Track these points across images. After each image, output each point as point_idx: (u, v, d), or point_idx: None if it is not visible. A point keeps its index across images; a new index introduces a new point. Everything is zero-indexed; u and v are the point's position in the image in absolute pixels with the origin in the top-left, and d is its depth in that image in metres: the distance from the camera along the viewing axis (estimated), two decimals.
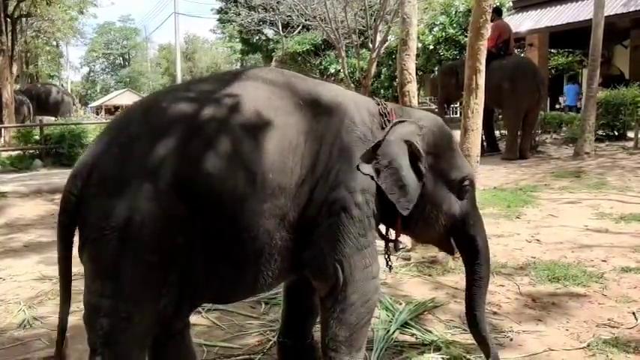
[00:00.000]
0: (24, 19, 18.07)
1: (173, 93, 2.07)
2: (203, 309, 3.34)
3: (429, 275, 3.89)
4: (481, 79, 3.97)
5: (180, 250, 1.82)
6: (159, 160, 1.77)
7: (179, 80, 35.43)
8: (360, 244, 2.07)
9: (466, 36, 17.54)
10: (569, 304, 3.29)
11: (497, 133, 10.97)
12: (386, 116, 2.22)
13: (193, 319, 3.20)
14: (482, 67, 3.96)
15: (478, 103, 4.00)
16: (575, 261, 4.03)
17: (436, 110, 12.03)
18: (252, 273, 2.00)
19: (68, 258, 1.92)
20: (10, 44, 14.65)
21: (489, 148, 9.89)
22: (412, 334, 2.92)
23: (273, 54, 30.28)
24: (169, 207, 1.77)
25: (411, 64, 4.32)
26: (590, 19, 9.45)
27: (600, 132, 10.55)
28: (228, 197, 1.84)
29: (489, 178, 7.50)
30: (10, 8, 14.95)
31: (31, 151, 11.23)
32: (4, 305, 3.62)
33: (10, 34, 14.77)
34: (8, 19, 14.77)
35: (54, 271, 4.36)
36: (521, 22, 16.19)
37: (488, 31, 3.96)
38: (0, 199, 7.30)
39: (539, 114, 10.48)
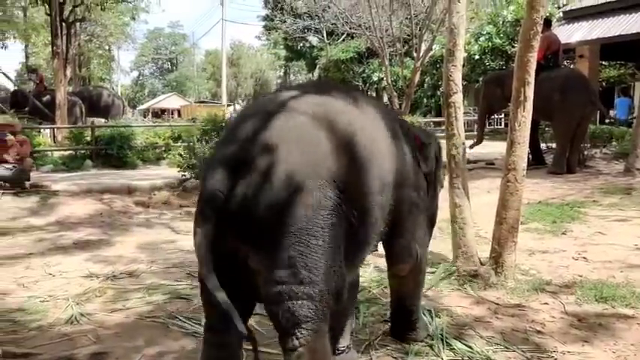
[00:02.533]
0: (78, 24, 18.77)
1: (303, 100, 2.25)
2: None
3: (471, 289, 3.82)
4: (530, 92, 3.89)
5: (339, 234, 2.08)
6: (316, 160, 2.02)
7: (224, 85, 36.10)
8: (425, 228, 2.89)
9: (513, 46, 17.37)
10: (617, 325, 3.18)
11: (543, 145, 10.70)
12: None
13: None
14: (532, 79, 3.88)
15: (526, 116, 3.92)
16: (623, 281, 3.89)
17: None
18: (364, 255, 2.41)
19: (209, 247, 1.98)
20: (64, 48, 15.21)
21: (535, 161, 9.66)
22: (451, 349, 2.88)
23: (316, 61, 30.49)
24: (329, 198, 2.01)
25: (457, 74, 4.28)
26: None
27: None
28: (364, 190, 2.18)
29: (534, 191, 7.33)
30: (66, 13, 15.53)
31: (82, 152, 11.62)
32: (52, 301, 3.74)
33: (64, 37, 15.33)
34: (63, 24, 15.35)
35: (101, 268, 4.54)
36: (572, 34, 15.79)
37: (538, 42, 3.89)
38: (52, 197, 7.59)
39: (589, 127, 10.17)
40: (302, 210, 1.95)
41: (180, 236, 6.00)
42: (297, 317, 1.98)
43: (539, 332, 3.12)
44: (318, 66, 31.10)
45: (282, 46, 38.71)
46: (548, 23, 9.87)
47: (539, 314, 3.36)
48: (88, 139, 11.82)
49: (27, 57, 31.26)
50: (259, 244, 1.99)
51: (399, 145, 2.50)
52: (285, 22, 22.18)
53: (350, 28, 19.01)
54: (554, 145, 10.07)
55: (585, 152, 10.16)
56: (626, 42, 14.85)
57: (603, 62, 19.05)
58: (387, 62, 17.34)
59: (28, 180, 7.89)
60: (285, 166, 1.96)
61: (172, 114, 38.03)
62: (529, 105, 3.90)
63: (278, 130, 2.05)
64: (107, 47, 32.70)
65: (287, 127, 2.07)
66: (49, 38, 16.55)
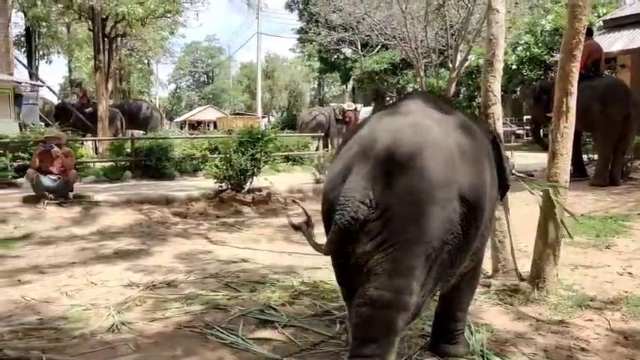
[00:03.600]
0: (119, 39, 19.28)
1: (427, 116, 2.43)
2: (280, 324, 3.40)
3: (511, 305, 3.73)
4: (572, 102, 3.81)
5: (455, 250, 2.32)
6: (448, 175, 2.21)
7: (259, 97, 36.50)
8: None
9: (552, 55, 17.01)
10: None
11: (585, 157, 10.43)
12: None
13: (270, 334, 3.27)
14: (574, 89, 3.80)
15: (568, 127, 3.84)
16: None
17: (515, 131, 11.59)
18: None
19: (346, 254, 2.23)
20: (106, 62, 15.66)
21: (576, 172, 9.41)
22: None
23: (350, 73, 30.57)
24: (456, 210, 2.23)
25: (496, 85, 4.23)
26: None
27: None
28: (482, 201, 2.38)
29: (576, 204, 7.13)
30: (108, 29, 16.00)
31: (122, 163, 11.90)
32: (94, 309, 3.82)
33: (106, 52, 15.79)
34: (105, 39, 15.82)
35: (141, 278, 4.63)
36: (613, 43, 15.41)
37: (580, 52, 3.81)
38: (93, 207, 7.79)
39: (633, 139, 9.86)
40: (437, 224, 2.16)
41: (216, 246, 6.06)
42: (391, 326, 2.17)
43: (583, 350, 3.03)
44: (352, 77, 31.18)
45: (316, 58, 38.93)
46: (589, 32, 9.65)
47: (584, 331, 3.26)
48: (128, 150, 12.10)
49: (70, 71, 32.38)
50: (390, 251, 2.14)
51: (491, 161, 2.61)
52: (319, 34, 22.30)
53: (384, 40, 18.99)
54: (596, 157, 9.81)
55: (629, 164, 9.86)
56: None
57: None
58: (422, 73, 17.24)
59: (72, 191, 8.12)
60: (427, 183, 2.14)
61: (208, 126, 38.62)
62: (571, 116, 3.83)
63: (415, 147, 2.20)
64: (146, 61, 33.52)
65: (423, 144, 2.22)
66: (92, 53, 17.07)
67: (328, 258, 2.55)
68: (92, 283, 4.58)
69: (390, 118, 2.45)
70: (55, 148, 7.99)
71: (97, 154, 13.99)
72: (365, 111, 18.82)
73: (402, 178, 2.15)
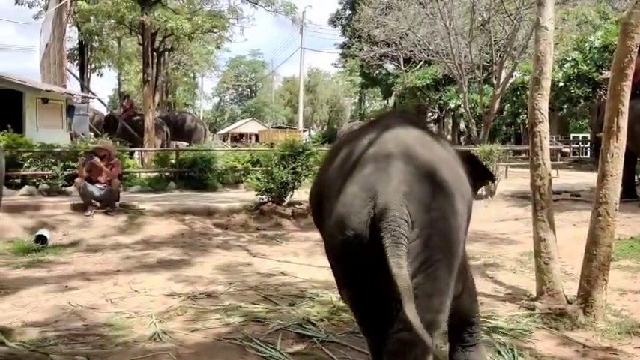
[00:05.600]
0: (167, 53, 19.87)
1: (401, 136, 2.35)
2: (318, 339, 3.39)
3: (556, 329, 3.62)
4: (623, 122, 3.70)
5: None
6: (459, 187, 2.26)
7: (301, 111, 36.83)
8: None
9: (601, 73, 16.56)
10: None
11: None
12: None
13: (308, 348, 3.27)
14: (625, 109, 3.69)
15: (618, 147, 3.73)
16: None
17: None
18: None
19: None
20: (154, 75, 16.14)
21: (626, 194, 9.08)
22: None
23: (392, 88, 30.51)
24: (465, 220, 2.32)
25: (543, 103, 4.15)
26: None
27: None
28: (471, 207, 2.45)
29: (626, 226, 6.89)
30: (157, 43, 16.50)
31: (166, 174, 12.18)
32: (137, 317, 3.91)
33: (154, 66, 16.28)
34: (154, 53, 16.32)
35: (182, 288, 4.71)
36: None
37: (632, 71, 3.70)
38: (138, 217, 7.99)
39: None
40: (462, 235, 2.25)
41: (256, 259, 6.12)
42: (429, 347, 2.08)
43: None
44: (394, 92, 31.11)
45: (357, 73, 39.05)
46: None
47: (633, 359, 3.13)
48: (173, 161, 12.38)
49: (120, 84, 33.48)
50: (430, 270, 2.07)
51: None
52: (362, 49, 22.42)
53: (427, 55, 18.93)
54: None
55: None
56: None
57: None
58: (465, 89, 17.07)
59: (118, 200, 8.36)
60: (452, 197, 2.15)
61: (250, 138, 39.16)
62: (622, 136, 3.72)
63: (432, 162, 2.20)
64: (192, 75, 34.41)
65: (436, 159, 2.24)
66: (141, 66, 17.62)
67: None
68: (136, 291, 4.68)
69: (389, 133, 2.32)
70: (96, 159, 8.22)
71: (142, 164, 14.36)
72: None
73: (431, 193, 2.08)
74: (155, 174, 12.27)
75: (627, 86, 3.68)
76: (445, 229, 2.09)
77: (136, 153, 14.59)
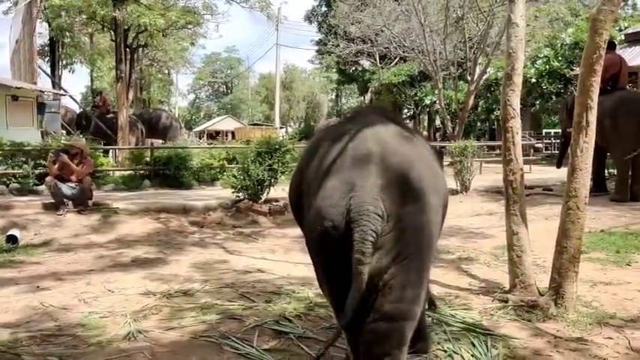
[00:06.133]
0: (141, 49, 19.59)
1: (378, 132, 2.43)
2: (295, 336, 3.39)
3: (529, 321, 3.68)
4: (592, 117, 3.77)
5: None
6: (434, 182, 2.35)
7: (277, 108, 36.73)
8: None
9: (572, 69, 16.88)
10: None
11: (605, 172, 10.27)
12: None
13: (285, 345, 3.27)
14: (594, 104, 3.76)
15: (588, 142, 3.80)
16: None
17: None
18: None
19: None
20: (127, 72, 15.91)
21: (596, 188, 9.29)
22: None
23: (368, 84, 30.62)
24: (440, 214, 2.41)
25: (515, 99, 4.20)
26: None
27: None
28: (447, 202, 2.61)
29: (596, 220, 7.05)
30: (130, 39, 16.27)
31: (141, 172, 12.03)
32: (111, 317, 3.85)
33: (128, 62, 16.04)
34: (127, 49, 16.08)
35: (157, 286, 4.66)
36: (634, 57, 15.26)
37: (601, 67, 3.77)
38: (112, 215, 7.88)
39: None
40: (436, 230, 2.32)
41: (232, 256, 6.09)
42: (405, 338, 2.21)
43: None
44: (370, 89, 31.23)
45: (334, 70, 39.08)
46: (612, 45, 9.54)
47: (603, 349, 3.20)
48: (147, 159, 12.23)
49: (92, 81, 32.92)
50: (405, 262, 2.14)
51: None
52: (338, 46, 22.41)
53: (403, 52, 19.03)
54: (616, 172, 9.67)
55: None
56: None
57: None
58: (440, 85, 17.23)
59: (91, 199, 8.22)
60: (427, 191, 2.21)
61: (226, 136, 38.95)
62: (591, 131, 3.78)
63: (409, 157, 2.27)
64: (167, 71, 34.01)
65: (413, 154, 2.32)
66: (114, 63, 17.37)
67: None
68: (109, 290, 4.62)
69: (368, 129, 2.38)
70: (65, 157, 8.05)
71: (116, 162, 14.17)
72: None
73: (407, 188, 2.15)
74: (129, 172, 12.11)
75: (596, 82, 3.75)
76: (419, 223, 2.15)
77: (110, 151, 14.39)
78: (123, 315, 3.86)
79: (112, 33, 16.22)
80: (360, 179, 2.11)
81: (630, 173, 8.86)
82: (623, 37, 17.44)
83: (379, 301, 2.14)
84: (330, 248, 2.16)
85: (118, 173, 12.33)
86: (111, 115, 16.51)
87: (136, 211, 8.11)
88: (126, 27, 15.67)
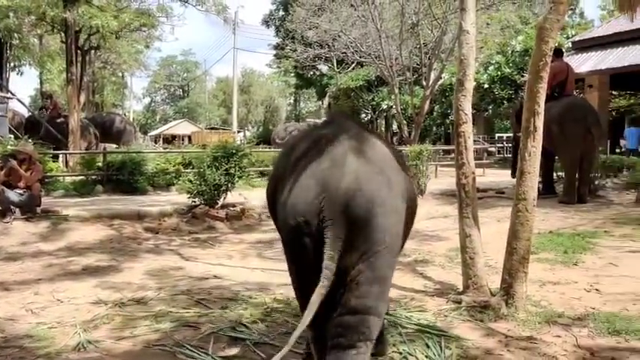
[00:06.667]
0: (93, 51, 19.06)
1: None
2: (251, 342, 3.36)
3: (481, 321, 3.77)
4: (539, 122, 3.90)
5: None
6: (401, 185, 2.47)
7: (235, 112, 36.44)
8: None
9: (522, 75, 17.45)
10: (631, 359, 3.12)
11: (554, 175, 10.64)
12: None
13: (241, 351, 3.23)
14: (541, 109, 3.89)
15: (535, 146, 3.92)
16: (637, 314, 3.82)
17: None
18: None
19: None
20: (78, 75, 15.45)
21: (545, 190, 9.61)
22: None
23: (326, 89, 30.79)
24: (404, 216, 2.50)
25: (467, 104, 4.31)
26: None
27: None
28: (415, 205, 2.78)
29: (545, 221, 7.28)
30: (81, 41, 15.81)
31: (93, 177, 11.70)
32: (60, 327, 3.73)
33: (79, 65, 15.59)
34: (78, 51, 15.62)
35: (109, 295, 4.54)
36: (581, 64, 15.88)
37: (547, 73, 3.91)
38: (62, 222, 7.63)
39: (598, 157, 10.13)
40: (400, 230, 2.43)
41: (188, 263, 5.99)
42: (371, 333, 2.32)
43: None
44: (328, 94, 31.40)
45: (292, 74, 39.13)
46: (560, 53, 9.91)
47: (552, 347, 3.30)
48: (100, 164, 11.92)
49: (42, 83, 31.84)
50: (371, 260, 2.27)
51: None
52: (295, 50, 22.45)
53: (360, 57, 19.23)
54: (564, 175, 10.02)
55: (596, 182, 10.10)
56: (636, 72, 14.87)
57: (613, 92, 19.09)
58: (396, 90, 17.48)
59: (39, 205, 7.94)
60: (394, 194, 2.35)
61: (183, 140, 38.37)
62: (539, 135, 3.91)
63: (378, 160, 2.40)
64: (120, 74, 33.24)
65: (383, 157, 2.45)
66: (64, 65, 16.85)
67: None
68: (59, 300, 4.47)
69: (342, 133, 2.49)
70: (14, 163, 7.78)
71: (67, 168, 13.74)
72: None
73: (375, 190, 2.28)
74: (81, 177, 11.77)
75: (543, 88, 3.88)
76: (384, 223, 2.29)
77: (61, 156, 13.94)
78: (72, 325, 3.75)
79: (63, 35, 15.73)
80: (332, 180, 2.25)
81: (577, 176, 9.20)
82: (570, 44, 18.12)
83: (346, 296, 2.29)
84: (301, 244, 2.30)
85: (68, 179, 11.95)
86: (61, 119, 15.99)
87: (88, 217, 7.88)
88: (77, 28, 15.21)
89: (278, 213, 2.56)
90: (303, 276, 2.40)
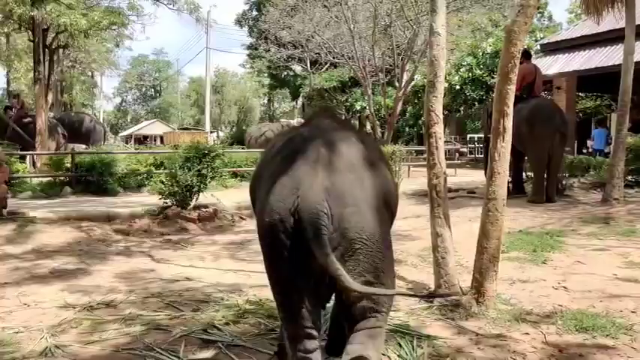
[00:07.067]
0: (61, 50, 18.70)
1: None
2: (223, 344, 3.33)
3: (452, 319, 3.80)
4: (509, 123, 3.96)
5: None
6: (381, 183, 2.50)
7: (207, 112, 36.14)
8: None
9: (493, 77, 17.74)
10: (598, 356, 3.18)
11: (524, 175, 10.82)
12: None
13: (213, 354, 3.20)
14: (510, 110, 3.95)
15: (505, 147, 3.98)
16: (603, 311, 3.91)
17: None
18: None
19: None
20: (46, 74, 15.15)
21: (515, 190, 9.78)
22: None
23: (300, 89, 30.79)
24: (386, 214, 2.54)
25: (438, 105, 4.35)
26: (620, 65, 9.40)
27: (629, 178, 10.36)
28: (396, 204, 2.79)
29: (515, 220, 7.40)
30: (49, 39, 15.51)
31: (61, 178, 11.46)
32: (27, 332, 3.63)
33: (47, 63, 15.29)
34: (46, 50, 15.32)
35: (78, 299, 4.45)
36: (549, 66, 16.21)
37: (516, 75, 3.97)
38: (29, 224, 7.45)
39: (566, 157, 10.33)
40: (384, 227, 2.45)
41: (159, 265, 5.91)
42: (381, 307, 2.44)
43: None
44: (301, 94, 31.39)
45: (266, 75, 39.01)
46: (528, 55, 10.09)
47: (521, 344, 3.35)
48: (68, 165, 11.68)
49: (8, 82, 31.06)
50: (352, 258, 2.29)
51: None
52: (269, 50, 22.38)
53: (333, 58, 19.27)
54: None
55: (564, 182, 10.32)
56: (602, 74, 15.24)
57: (580, 94, 19.53)
58: (369, 91, 17.56)
59: (5, 207, 7.75)
60: (370, 192, 2.37)
61: (155, 140, 37.91)
62: (508, 136, 3.97)
63: (353, 158, 2.42)
64: (90, 73, 32.67)
65: (360, 156, 2.46)
66: (32, 64, 16.48)
67: None
68: (25, 304, 4.36)
69: (320, 132, 2.54)
70: None
71: (34, 168, 13.43)
72: None
73: (349, 190, 2.29)
74: (48, 178, 11.52)
75: (511, 90, 3.94)
76: (361, 222, 2.29)
77: (28, 157, 13.63)
78: (39, 329, 3.65)
79: (30, 33, 15.41)
80: (307, 178, 2.26)
81: (545, 176, 9.38)
82: (539, 47, 18.48)
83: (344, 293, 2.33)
84: (278, 243, 2.30)
85: (36, 180, 11.70)
86: (29, 119, 15.65)
87: (56, 219, 7.71)
88: (45, 27, 14.93)
89: (256, 210, 2.59)
90: (280, 274, 2.40)
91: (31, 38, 15.35)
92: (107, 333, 3.59)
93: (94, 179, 11.12)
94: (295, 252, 2.25)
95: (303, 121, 3.55)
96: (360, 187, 2.34)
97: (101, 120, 28.24)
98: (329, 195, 2.24)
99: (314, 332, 2.37)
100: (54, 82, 17.07)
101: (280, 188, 2.31)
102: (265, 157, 2.76)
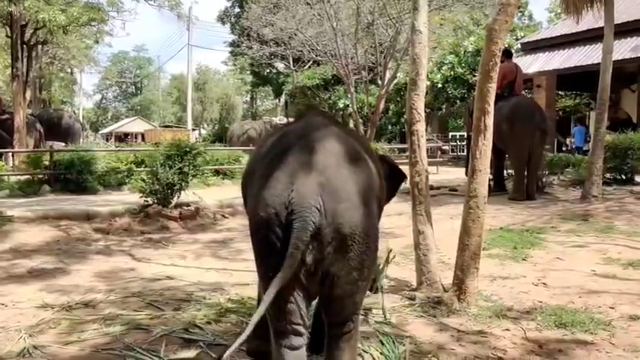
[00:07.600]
0: (40, 46, 18.42)
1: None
2: (204, 343, 3.30)
3: (434, 316, 3.83)
4: (489, 121, 3.99)
5: None
6: (371, 178, 2.51)
7: (189, 110, 35.88)
8: None
9: (474, 75, 17.90)
10: (577, 351, 3.22)
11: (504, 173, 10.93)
12: None
13: (194, 353, 3.18)
14: (491, 108, 3.98)
15: (486, 145, 4.01)
16: (582, 307, 3.96)
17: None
18: None
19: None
20: (24, 70, 14.92)
21: (496, 187, 9.87)
22: None
23: (283, 87, 30.70)
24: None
25: (420, 103, 4.36)
26: (598, 63, 9.53)
27: (608, 175, 10.52)
28: (383, 200, 2.84)
29: (496, 217, 7.47)
30: (27, 35, 15.28)
31: (39, 177, 11.29)
32: (4, 333, 3.57)
33: (25, 60, 15.05)
34: (24, 46, 15.08)
35: (56, 298, 4.38)
36: (530, 64, 16.38)
37: (497, 73, 4.00)
38: (6, 223, 7.32)
39: (546, 155, 10.45)
40: (374, 222, 2.46)
41: (140, 264, 5.85)
42: (357, 306, 2.51)
43: (500, 359, 3.13)
44: (284, 92, 31.32)
45: (248, 72, 38.85)
46: (509, 53, 10.19)
47: (501, 341, 3.38)
48: (47, 163, 11.51)
49: None
50: (343, 254, 2.31)
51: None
52: (251, 48, 22.24)
53: (316, 56, 19.23)
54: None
55: (544, 179, 10.44)
56: (581, 73, 15.46)
57: (560, 92, 19.78)
58: (352, 89, 17.57)
59: None
60: (363, 187, 2.38)
61: (136, 138, 37.51)
62: (489, 134, 4.00)
63: (348, 154, 2.42)
64: (69, 70, 32.22)
65: (353, 152, 2.46)
66: (9, 60, 16.21)
67: (256, 275, 2.58)
68: (2, 304, 4.28)
69: (314, 129, 2.55)
70: None
71: (12, 166, 13.21)
72: None
73: (343, 185, 2.31)
74: (26, 177, 11.34)
75: (492, 88, 3.97)
76: (355, 218, 2.31)
77: (4, 154, 13.40)
78: (17, 330, 3.59)
79: (8, 29, 15.15)
80: (302, 173, 2.27)
81: (525, 174, 9.49)
82: (519, 45, 18.67)
83: (325, 289, 2.36)
84: (272, 237, 2.29)
85: (13, 178, 11.51)
86: (6, 116, 15.39)
87: (34, 218, 7.59)
88: (23, 22, 14.69)
89: (248, 206, 2.59)
90: (272, 269, 2.34)
91: (9, 34, 15.10)
92: (86, 333, 3.54)
93: (73, 177, 10.97)
94: (287, 247, 2.24)
95: (286, 119, 3.55)
96: (353, 183, 2.35)
97: (80, 117, 27.82)
98: (323, 190, 2.25)
99: (301, 329, 2.37)
100: (32, 78, 16.82)
101: (275, 183, 2.31)
102: (257, 154, 2.77)
